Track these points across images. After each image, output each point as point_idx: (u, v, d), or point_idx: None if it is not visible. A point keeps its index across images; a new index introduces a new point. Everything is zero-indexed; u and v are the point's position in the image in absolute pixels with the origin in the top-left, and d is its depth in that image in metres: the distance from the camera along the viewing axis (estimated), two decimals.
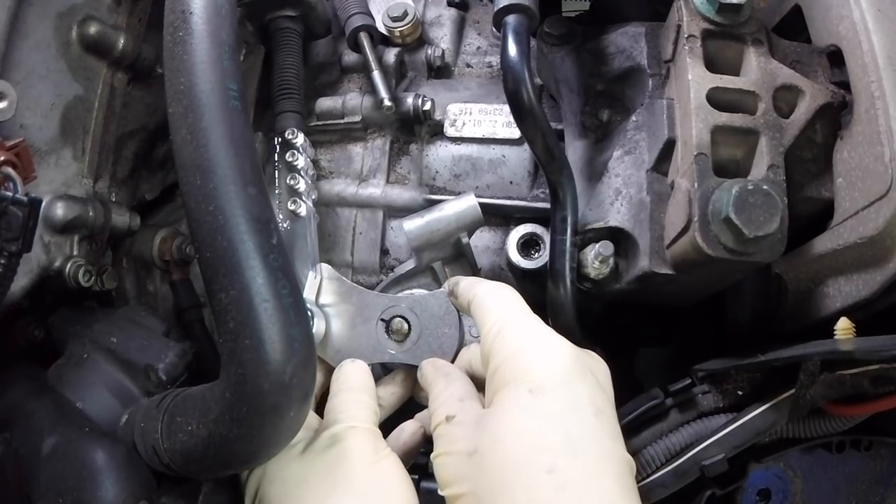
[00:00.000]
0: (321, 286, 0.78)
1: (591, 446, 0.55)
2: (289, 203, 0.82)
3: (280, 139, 0.86)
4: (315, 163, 0.93)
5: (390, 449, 0.65)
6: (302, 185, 0.83)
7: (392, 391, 0.77)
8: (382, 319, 0.76)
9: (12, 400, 0.72)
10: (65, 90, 0.75)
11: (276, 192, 0.84)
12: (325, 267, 0.80)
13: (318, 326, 0.75)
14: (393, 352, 0.76)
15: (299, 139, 0.86)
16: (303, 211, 0.82)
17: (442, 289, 0.78)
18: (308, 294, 0.77)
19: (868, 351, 0.64)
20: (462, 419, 0.61)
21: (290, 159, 0.84)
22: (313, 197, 0.86)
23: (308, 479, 0.61)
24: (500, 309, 0.66)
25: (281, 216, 0.82)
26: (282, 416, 0.55)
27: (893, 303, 0.68)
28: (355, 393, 0.70)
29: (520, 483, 0.53)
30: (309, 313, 0.74)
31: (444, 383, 0.68)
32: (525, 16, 0.77)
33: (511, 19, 0.77)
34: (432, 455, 0.62)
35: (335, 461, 0.62)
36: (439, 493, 0.60)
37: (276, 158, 0.85)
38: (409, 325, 0.76)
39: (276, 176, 0.84)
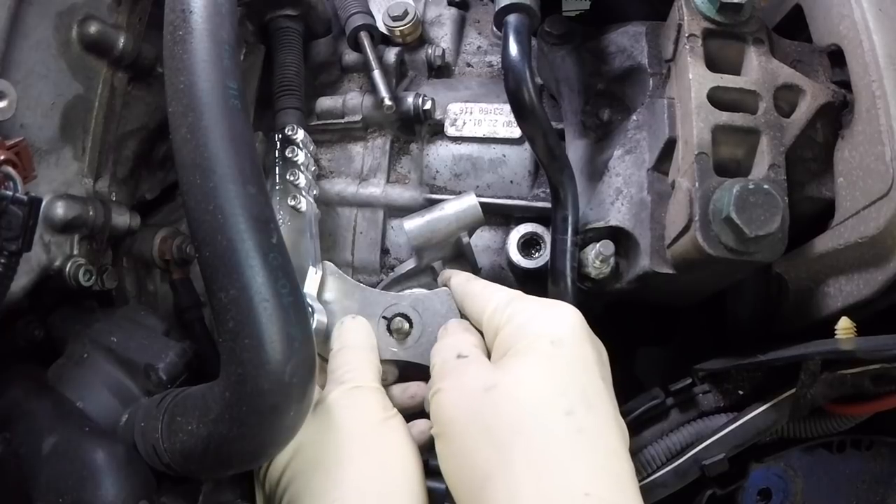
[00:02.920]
0: (323, 283, 0.78)
1: (602, 403, 0.57)
2: (289, 199, 0.82)
3: (280, 136, 0.86)
4: (316, 161, 0.93)
5: (395, 409, 0.67)
6: (302, 181, 0.83)
7: (410, 395, 0.77)
8: (384, 317, 0.76)
9: (12, 400, 0.72)
10: (65, 90, 0.74)
11: (277, 188, 0.83)
12: (327, 264, 0.80)
13: (319, 322, 0.74)
14: (395, 349, 0.76)
15: (299, 135, 0.86)
16: (303, 206, 0.82)
17: (444, 287, 0.78)
18: (309, 290, 0.77)
19: (869, 350, 0.64)
20: (475, 359, 0.62)
21: (290, 155, 0.84)
22: (314, 192, 0.86)
23: (322, 441, 0.62)
24: (500, 293, 0.68)
25: (281, 212, 0.82)
26: (282, 415, 0.54)
27: (894, 302, 0.68)
28: (359, 351, 0.71)
29: (538, 421, 0.54)
30: (310, 309, 0.74)
31: (462, 330, 0.69)
32: (526, 15, 0.77)
33: (512, 18, 0.77)
34: (432, 390, 0.63)
35: (346, 422, 0.63)
36: (432, 432, 0.61)
37: (277, 155, 0.85)
38: (411, 324, 0.76)
39: (276, 172, 0.84)
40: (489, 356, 0.66)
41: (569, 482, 0.51)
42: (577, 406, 0.55)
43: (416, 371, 0.78)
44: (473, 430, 0.57)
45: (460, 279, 0.75)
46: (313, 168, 0.88)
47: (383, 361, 0.77)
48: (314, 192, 0.86)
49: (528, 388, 0.56)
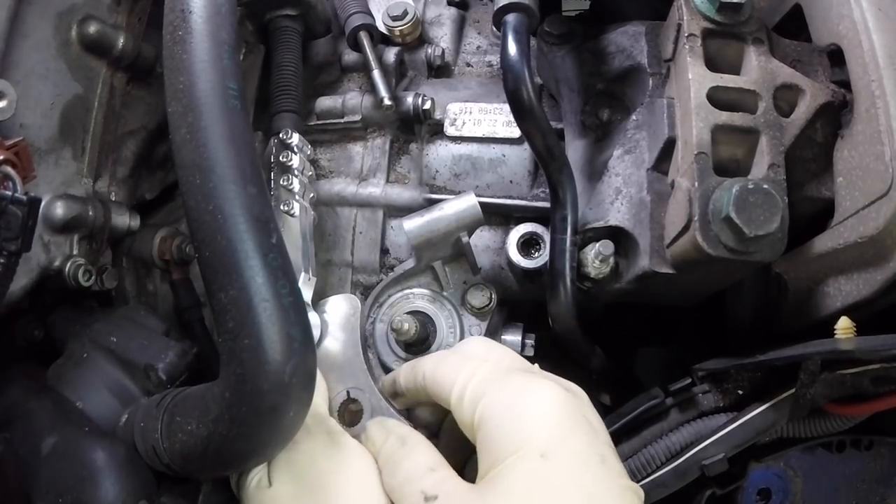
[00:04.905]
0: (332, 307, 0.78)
1: (609, 497, 0.53)
2: (282, 205, 0.81)
3: (275, 140, 0.86)
4: (314, 162, 0.93)
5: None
6: (296, 185, 0.82)
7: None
8: (348, 391, 0.73)
9: (12, 400, 0.72)
10: (64, 89, 0.74)
11: (271, 193, 0.83)
12: (356, 301, 0.78)
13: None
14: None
15: (294, 139, 0.85)
16: (295, 211, 0.81)
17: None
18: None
19: (868, 350, 0.64)
20: (449, 500, 0.55)
21: (284, 160, 0.84)
22: (311, 196, 0.85)
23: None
24: (458, 374, 0.61)
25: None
26: (281, 415, 0.54)
27: (894, 302, 0.68)
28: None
29: None
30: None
31: (402, 451, 0.61)
32: (525, 15, 0.77)
33: (511, 18, 0.77)
34: None
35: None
36: None
37: (272, 160, 0.85)
38: (362, 412, 0.73)
39: (272, 177, 0.84)
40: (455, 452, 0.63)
41: None
42: None
43: None
44: None
45: (406, 371, 0.69)
46: (309, 172, 0.87)
47: None
48: (311, 195, 0.85)
49: None
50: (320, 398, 0.66)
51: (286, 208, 0.81)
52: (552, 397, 0.57)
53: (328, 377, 0.74)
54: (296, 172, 0.83)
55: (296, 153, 0.84)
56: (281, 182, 0.82)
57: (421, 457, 0.59)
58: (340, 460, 0.62)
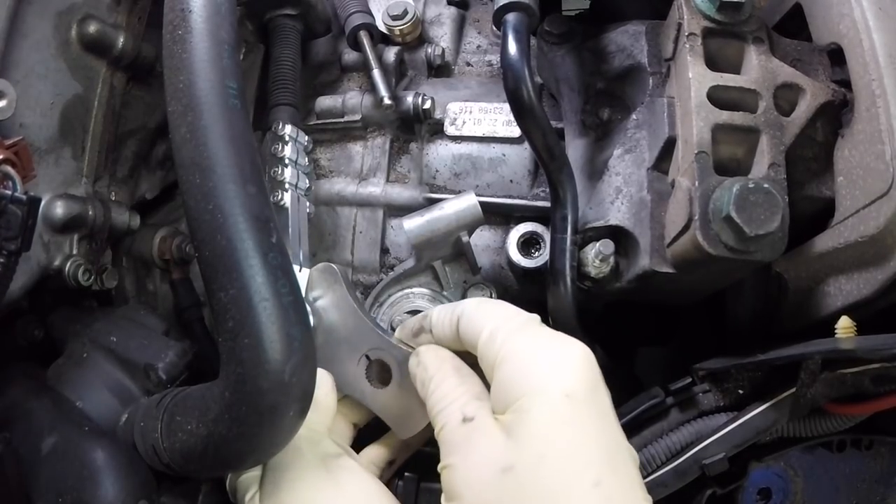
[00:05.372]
0: (314, 282, 0.75)
1: (624, 457, 0.54)
2: (272, 195, 0.80)
3: (269, 133, 0.85)
4: (315, 161, 0.93)
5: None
6: (287, 175, 0.81)
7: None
8: (367, 356, 0.72)
9: (12, 399, 0.72)
10: (64, 89, 0.74)
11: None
12: (336, 270, 0.75)
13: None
14: (366, 396, 0.71)
15: (286, 130, 0.84)
16: (286, 201, 0.80)
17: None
18: None
19: (869, 350, 0.64)
20: (482, 425, 0.56)
21: (275, 151, 0.83)
22: (305, 185, 0.84)
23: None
24: (498, 314, 0.62)
25: None
26: (281, 415, 0.54)
27: (894, 301, 0.68)
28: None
29: (568, 499, 0.51)
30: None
31: (456, 378, 0.62)
32: (525, 14, 0.77)
33: (511, 17, 0.77)
34: (441, 464, 0.58)
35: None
36: None
37: (265, 153, 0.85)
38: (391, 376, 0.71)
39: (265, 170, 0.83)
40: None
41: None
42: (603, 473, 0.51)
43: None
44: None
45: (444, 309, 0.67)
46: (304, 162, 0.86)
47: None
48: (305, 184, 0.84)
49: (553, 466, 0.52)
50: (316, 415, 0.63)
51: (276, 199, 0.80)
52: (583, 351, 0.58)
53: (340, 352, 0.72)
54: (287, 162, 0.82)
55: (287, 142, 0.84)
56: (271, 173, 0.82)
57: (473, 387, 0.61)
58: (334, 490, 0.61)
